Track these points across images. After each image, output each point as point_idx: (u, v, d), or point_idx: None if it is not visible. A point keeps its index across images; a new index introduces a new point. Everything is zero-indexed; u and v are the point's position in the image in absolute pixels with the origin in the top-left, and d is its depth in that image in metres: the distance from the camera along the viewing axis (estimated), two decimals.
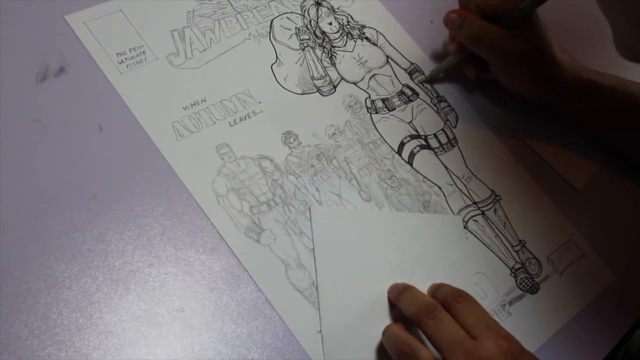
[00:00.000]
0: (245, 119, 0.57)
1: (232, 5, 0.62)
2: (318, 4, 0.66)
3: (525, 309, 0.56)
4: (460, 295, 0.48)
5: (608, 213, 0.64)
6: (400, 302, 0.50)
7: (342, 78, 0.63)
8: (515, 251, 0.59)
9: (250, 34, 0.61)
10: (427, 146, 0.62)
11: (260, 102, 0.58)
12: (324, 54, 0.63)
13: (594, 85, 0.62)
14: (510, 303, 0.56)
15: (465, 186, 0.60)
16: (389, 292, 0.51)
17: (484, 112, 0.66)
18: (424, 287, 0.52)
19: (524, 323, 0.55)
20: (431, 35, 0.68)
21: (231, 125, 0.56)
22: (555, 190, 0.63)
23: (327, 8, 0.66)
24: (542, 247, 0.60)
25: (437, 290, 0.50)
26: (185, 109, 0.55)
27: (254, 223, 0.52)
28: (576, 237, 0.61)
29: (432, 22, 0.69)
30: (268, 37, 0.62)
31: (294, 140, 0.57)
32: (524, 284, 0.57)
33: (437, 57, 0.67)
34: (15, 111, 0.50)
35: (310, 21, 0.64)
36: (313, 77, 0.61)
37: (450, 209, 0.59)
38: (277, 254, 0.51)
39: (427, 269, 0.54)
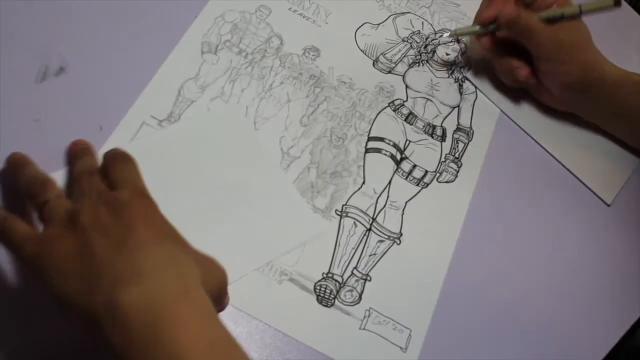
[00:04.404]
0: None
1: None
2: (458, 41, 0.67)
3: None
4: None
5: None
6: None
7: (404, 76, 0.63)
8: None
9: None
10: (398, 162, 0.59)
11: None
12: (418, 55, 0.64)
13: (630, 78, 0.62)
14: None
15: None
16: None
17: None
18: None
19: None
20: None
21: None
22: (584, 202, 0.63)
23: (454, 48, 0.66)
24: None
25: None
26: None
27: None
28: None
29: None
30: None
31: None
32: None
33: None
34: (15, 111, 0.50)
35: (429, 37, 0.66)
36: (385, 53, 0.63)
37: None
38: None
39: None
